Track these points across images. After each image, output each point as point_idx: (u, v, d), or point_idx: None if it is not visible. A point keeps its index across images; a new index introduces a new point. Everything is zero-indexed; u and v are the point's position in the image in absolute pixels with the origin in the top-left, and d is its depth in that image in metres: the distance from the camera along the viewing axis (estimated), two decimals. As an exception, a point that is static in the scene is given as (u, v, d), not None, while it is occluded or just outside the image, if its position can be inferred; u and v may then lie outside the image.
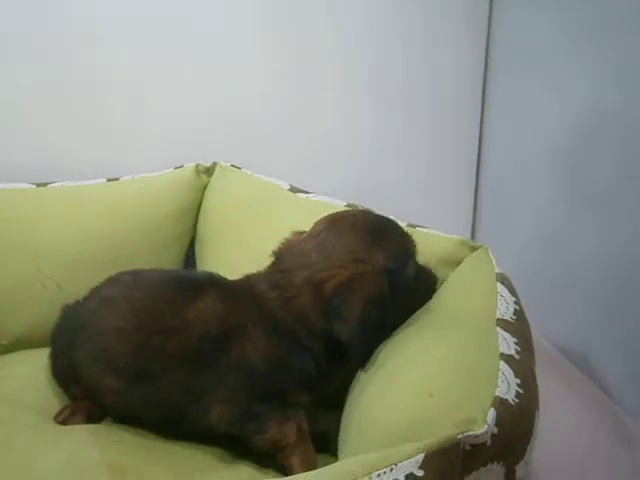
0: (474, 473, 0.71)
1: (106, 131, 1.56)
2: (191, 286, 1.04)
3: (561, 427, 1.14)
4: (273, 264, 1.04)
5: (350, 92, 1.74)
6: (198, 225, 1.44)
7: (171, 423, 1.01)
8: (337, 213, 1.07)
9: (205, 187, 1.47)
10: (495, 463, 0.73)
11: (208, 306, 1.00)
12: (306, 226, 1.25)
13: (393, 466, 0.66)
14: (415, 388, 0.84)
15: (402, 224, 1.20)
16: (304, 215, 1.28)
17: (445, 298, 1.05)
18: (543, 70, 1.58)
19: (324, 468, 0.71)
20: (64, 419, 1.07)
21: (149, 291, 1.05)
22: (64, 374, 1.11)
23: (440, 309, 1.02)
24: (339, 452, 0.92)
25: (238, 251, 1.23)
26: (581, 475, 1.07)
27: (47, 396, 1.13)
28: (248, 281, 1.04)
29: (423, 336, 0.96)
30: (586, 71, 1.42)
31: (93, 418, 1.07)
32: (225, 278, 1.07)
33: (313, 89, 1.71)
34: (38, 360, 1.20)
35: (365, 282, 0.96)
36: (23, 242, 1.28)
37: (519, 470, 0.76)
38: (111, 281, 1.11)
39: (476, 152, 1.84)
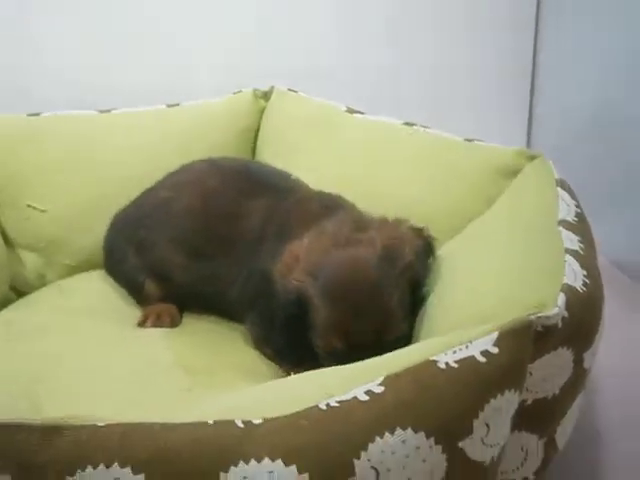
0: (545, 356, 0.73)
1: (166, 59, 1.59)
2: (259, 182, 1.13)
3: (624, 340, 1.15)
4: None
5: (407, 24, 1.74)
6: (257, 149, 1.46)
7: (219, 301, 1.11)
8: None
9: (263, 111, 1.48)
10: (565, 348, 0.74)
11: (264, 205, 1.07)
12: (364, 145, 1.27)
13: (468, 343, 0.69)
14: (485, 281, 0.86)
15: (459, 138, 1.22)
16: (362, 134, 1.30)
17: (506, 205, 1.07)
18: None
19: (402, 349, 0.73)
20: (140, 322, 1.13)
21: (221, 178, 1.15)
22: (136, 271, 1.18)
23: (502, 214, 1.03)
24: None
25: (297, 172, 1.25)
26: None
27: (118, 305, 1.19)
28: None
29: (490, 240, 0.97)
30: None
31: (166, 322, 1.13)
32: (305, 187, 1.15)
33: (368, 20, 1.71)
34: (106, 278, 1.26)
35: None
36: (89, 166, 1.32)
37: (587, 359, 0.78)
38: (184, 168, 1.22)
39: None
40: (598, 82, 1.59)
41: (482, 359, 0.67)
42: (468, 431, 0.66)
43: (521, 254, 0.88)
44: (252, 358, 1.03)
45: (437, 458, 0.64)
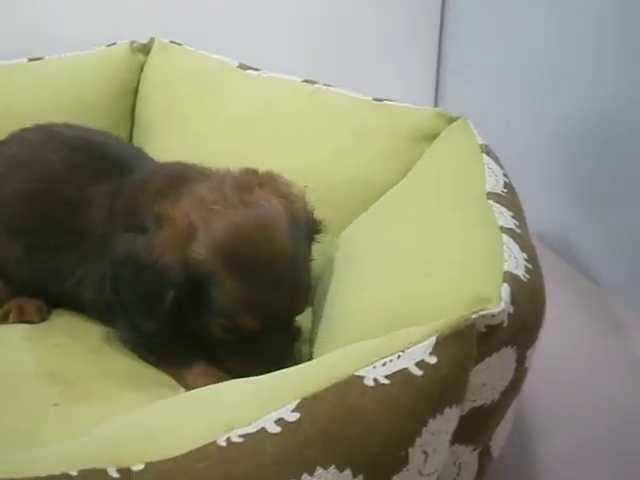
0: (486, 359, 0.61)
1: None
2: (103, 161, 0.97)
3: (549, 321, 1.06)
4: None
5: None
6: (136, 109, 1.29)
7: (71, 302, 0.97)
8: None
9: (142, 67, 1.31)
10: (509, 347, 0.63)
11: (108, 189, 0.93)
12: (257, 105, 1.12)
13: (400, 353, 0.56)
14: (407, 269, 0.73)
15: (367, 98, 1.08)
16: (256, 94, 1.15)
17: (423, 174, 0.95)
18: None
19: (316, 360, 0.60)
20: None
21: (62, 153, 0.98)
22: None
23: (420, 186, 0.91)
24: (316, 351, 0.82)
25: (183, 135, 1.10)
26: (573, 369, 1.00)
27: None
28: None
29: (407, 217, 0.85)
30: None
31: (31, 315, 0.97)
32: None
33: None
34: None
35: None
36: None
37: (529, 358, 0.66)
38: (18, 138, 1.04)
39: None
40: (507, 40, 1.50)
41: (418, 372, 0.55)
42: (403, 462, 0.54)
43: (449, 235, 0.75)
44: (136, 363, 0.87)
45: (366, 499, 0.52)
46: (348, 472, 0.51)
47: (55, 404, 0.76)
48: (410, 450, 0.54)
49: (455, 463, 0.67)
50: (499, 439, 0.72)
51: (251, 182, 0.84)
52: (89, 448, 0.52)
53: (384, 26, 1.66)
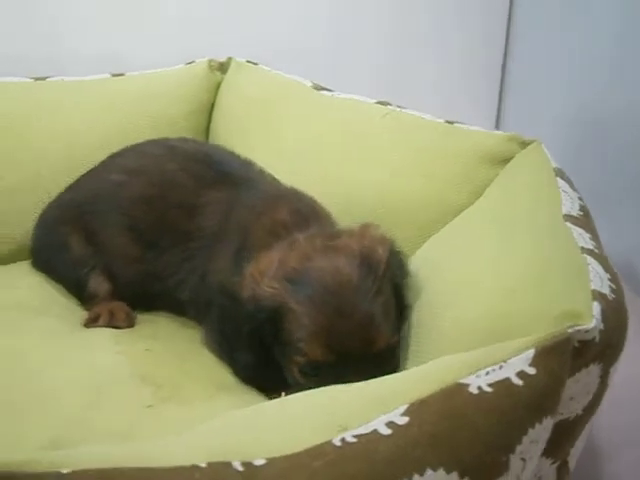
0: (577, 374, 0.63)
1: (110, 20, 1.44)
2: (220, 171, 1.03)
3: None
4: None
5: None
6: (211, 127, 1.33)
7: (169, 301, 1.02)
8: None
9: (219, 85, 1.35)
10: (596, 363, 0.65)
11: (223, 197, 0.99)
12: (332, 125, 1.15)
13: (502, 363, 0.58)
14: (493, 286, 0.75)
15: (439, 120, 1.11)
16: (330, 115, 1.18)
17: (498, 197, 0.97)
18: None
19: (417, 368, 0.63)
20: (88, 321, 1.01)
21: (179, 164, 1.05)
22: (80, 263, 1.06)
23: (498, 208, 0.93)
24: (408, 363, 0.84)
25: (258, 152, 1.12)
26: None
27: (55, 302, 1.05)
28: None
29: (486, 237, 0.87)
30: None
31: (121, 321, 1.01)
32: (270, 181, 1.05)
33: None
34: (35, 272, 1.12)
35: None
36: (22, 143, 1.16)
37: (611, 374, 0.68)
38: (136, 150, 1.12)
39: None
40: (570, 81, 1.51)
41: (519, 382, 0.57)
42: (504, 467, 0.56)
43: (533, 254, 0.78)
44: (221, 369, 0.90)
45: (471, 502, 0.54)
46: (455, 475, 0.53)
47: (149, 405, 0.79)
48: (511, 456, 0.56)
49: (536, 475, 0.69)
50: (576, 454, 0.73)
51: (341, 233, 0.90)
52: (212, 442, 0.55)
53: (448, 45, 1.68)
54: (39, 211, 1.15)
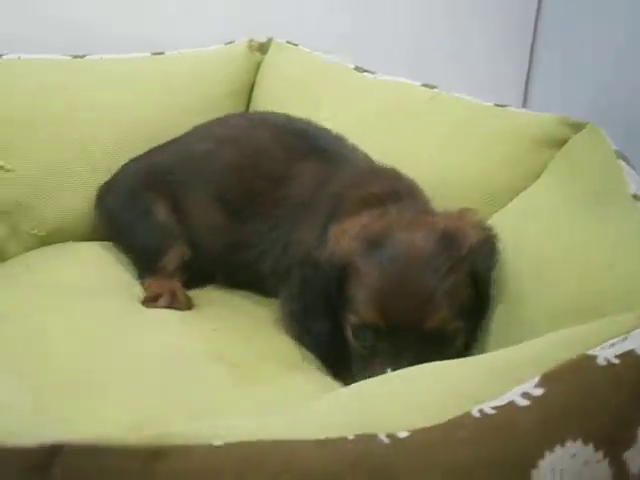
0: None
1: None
2: (312, 143, 1.03)
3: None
4: None
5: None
6: (251, 107, 1.31)
7: (249, 271, 1.01)
8: None
9: (258, 66, 1.33)
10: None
11: (317, 170, 0.98)
12: (376, 107, 1.14)
13: (625, 335, 0.58)
14: (585, 263, 0.75)
15: (489, 103, 1.11)
16: (376, 97, 1.17)
17: (566, 178, 0.96)
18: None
19: (540, 339, 0.62)
20: (147, 300, 0.99)
21: (270, 135, 1.05)
22: (163, 230, 1.04)
23: (566, 189, 0.92)
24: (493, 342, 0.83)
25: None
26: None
27: (109, 282, 1.02)
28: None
29: (565, 218, 0.86)
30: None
31: (181, 303, 0.99)
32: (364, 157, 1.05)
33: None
34: (78, 251, 1.09)
35: None
36: (62, 120, 1.12)
37: None
38: (221, 122, 1.13)
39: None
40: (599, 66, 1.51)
41: (643, 354, 0.57)
42: (632, 440, 0.55)
43: (621, 230, 0.77)
44: (289, 346, 0.89)
45: (604, 474, 0.54)
46: (591, 446, 0.53)
47: (234, 384, 0.77)
48: (638, 430, 0.56)
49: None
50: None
51: (435, 213, 0.90)
52: (349, 415, 0.54)
53: (475, 29, 1.67)
54: (87, 189, 1.12)
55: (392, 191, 0.93)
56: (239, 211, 1.01)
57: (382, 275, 0.80)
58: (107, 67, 1.19)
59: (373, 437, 0.50)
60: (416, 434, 0.51)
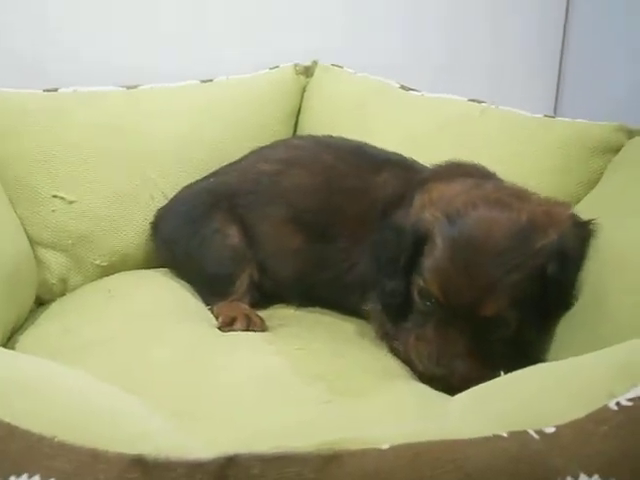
0: None
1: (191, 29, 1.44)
2: (377, 159, 1.05)
3: None
4: None
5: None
6: (299, 130, 1.33)
7: (330, 289, 1.02)
8: None
9: (304, 89, 1.35)
10: None
11: (395, 177, 0.99)
12: (428, 125, 1.17)
13: None
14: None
15: (538, 115, 1.14)
16: (426, 114, 1.20)
17: (619, 186, 0.99)
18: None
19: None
20: (224, 325, 0.98)
21: (335, 154, 1.06)
22: (234, 255, 1.05)
23: (624, 195, 0.95)
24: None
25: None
26: None
27: (186, 307, 1.03)
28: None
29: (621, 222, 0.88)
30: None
31: (257, 325, 1.00)
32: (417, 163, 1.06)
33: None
34: (150, 278, 1.10)
35: None
36: (120, 150, 1.14)
37: None
38: (280, 144, 1.15)
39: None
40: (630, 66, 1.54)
41: None
42: None
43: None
44: (374, 356, 0.91)
45: None
46: None
47: (328, 401, 0.78)
48: None
49: None
50: None
51: (530, 197, 0.89)
52: (498, 415, 0.56)
53: (505, 30, 1.69)
54: (145, 216, 1.14)
55: (484, 171, 0.96)
56: (321, 231, 1.02)
57: (451, 252, 0.83)
58: (159, 97, 1.21)
59: (524, 433, 0.52)
60: (562, 429, 0.53)
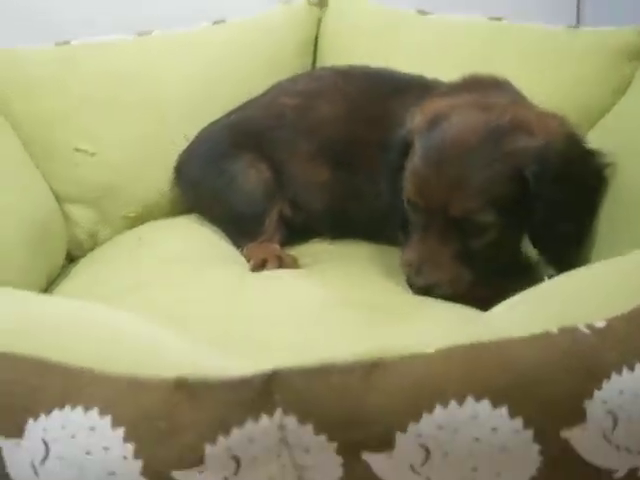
0: None
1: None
2: (397, 83, 1.03)
3: None
4: None
5: None
6: (318, 62, 1.30)
7: (361, 219, 1.01)
8: None
9: (319, 21, 1.32)
10: None
11: (411, 101, 0.95)
12: (447, 49, 1.13)
13: None
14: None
15: (559, 26, 1.10)
16: (442, 37, 1.16)
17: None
18: None
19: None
20: (255, 266, 0.97)
21: (357, 83, 1.04)
22: (263, 193, 1.03)
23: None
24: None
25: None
26: None
27: (216, 252, 1.02)
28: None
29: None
30: None
31: (289, 264, 0.98)
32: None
33: None
34: (185, 225, 1.09)
35: None
36: (136, 99, 1.13)
37: None
38: (304, 76, 1.15)
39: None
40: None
41: None
42: None
43: None
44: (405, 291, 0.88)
45: None
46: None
47: (368, 323, 0.78)
48: None
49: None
50: None
51: (529, 105, 0.88)
52: (547, 312, 0.54)
53: None
54: (168, 161, 1.12)
55: (505, 85, 0.92)
56: (347, 161, 1.00)
57: (425, 153, 0.84)
58: (172, 41, 1.19)
59: (575, 329, 0.50)
60: (613, 322, 0.51)
